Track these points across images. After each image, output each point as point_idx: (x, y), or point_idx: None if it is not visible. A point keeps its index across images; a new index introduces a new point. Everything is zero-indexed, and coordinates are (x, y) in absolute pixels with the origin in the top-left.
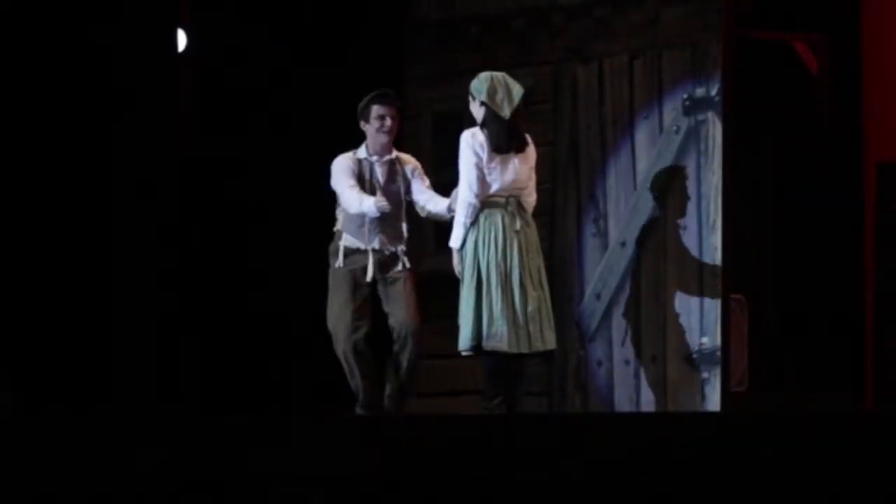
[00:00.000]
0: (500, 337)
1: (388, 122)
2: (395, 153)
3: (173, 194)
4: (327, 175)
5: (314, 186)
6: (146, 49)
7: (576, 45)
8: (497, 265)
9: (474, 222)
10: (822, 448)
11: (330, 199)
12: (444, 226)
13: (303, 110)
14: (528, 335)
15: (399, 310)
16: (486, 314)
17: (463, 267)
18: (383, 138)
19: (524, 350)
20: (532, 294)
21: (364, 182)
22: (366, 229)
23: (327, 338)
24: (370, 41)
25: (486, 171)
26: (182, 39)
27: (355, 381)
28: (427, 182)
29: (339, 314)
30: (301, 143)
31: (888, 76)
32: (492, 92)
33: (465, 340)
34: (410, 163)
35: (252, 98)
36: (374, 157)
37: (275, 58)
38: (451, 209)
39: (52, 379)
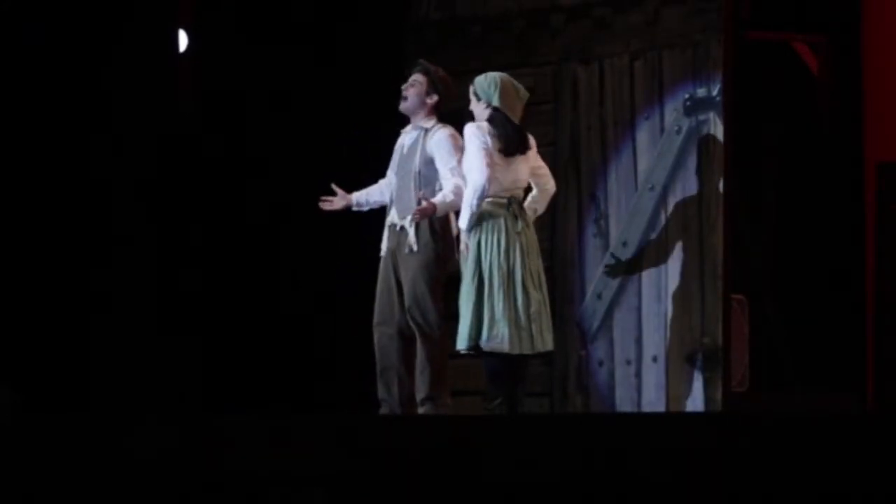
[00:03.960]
0: (501, 338)
1: (403, 90)
2: (429, 124)
3: (173, 194)
4: (327, 174)
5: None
6: (146, 49)
7: (576, 46)
8: (500, 266)
9: (477, 224)
10: (823, 448)
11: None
12: None
13: (303, 110)
14: (531, 336)
15: (409, 299)
16: (486, 315)
17: (465, 264)
18: (400, 105)
19: (526, 351)
20: (534, 295)
21: (392, 155)
22: (387, 206)
23: (327, 336)
24: (370, 41)
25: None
26: (182, 39)
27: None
28: (450, 164)
29: (375, 302)
30: (301, 143)
31: (888, 76)
32: (504, 95)
33: (462, 340)
34: (437, 136)
35: (252, 98)
36: (406, 128)
37: (275, 58)
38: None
39: (51, 378)
